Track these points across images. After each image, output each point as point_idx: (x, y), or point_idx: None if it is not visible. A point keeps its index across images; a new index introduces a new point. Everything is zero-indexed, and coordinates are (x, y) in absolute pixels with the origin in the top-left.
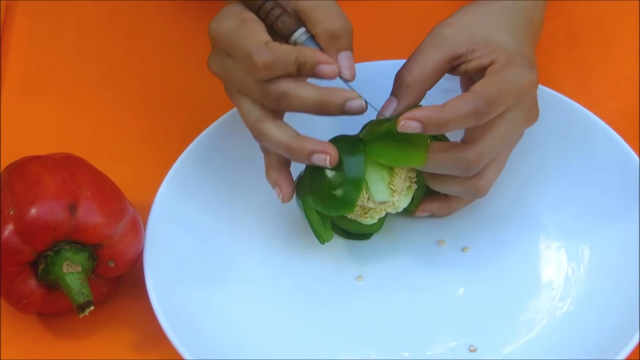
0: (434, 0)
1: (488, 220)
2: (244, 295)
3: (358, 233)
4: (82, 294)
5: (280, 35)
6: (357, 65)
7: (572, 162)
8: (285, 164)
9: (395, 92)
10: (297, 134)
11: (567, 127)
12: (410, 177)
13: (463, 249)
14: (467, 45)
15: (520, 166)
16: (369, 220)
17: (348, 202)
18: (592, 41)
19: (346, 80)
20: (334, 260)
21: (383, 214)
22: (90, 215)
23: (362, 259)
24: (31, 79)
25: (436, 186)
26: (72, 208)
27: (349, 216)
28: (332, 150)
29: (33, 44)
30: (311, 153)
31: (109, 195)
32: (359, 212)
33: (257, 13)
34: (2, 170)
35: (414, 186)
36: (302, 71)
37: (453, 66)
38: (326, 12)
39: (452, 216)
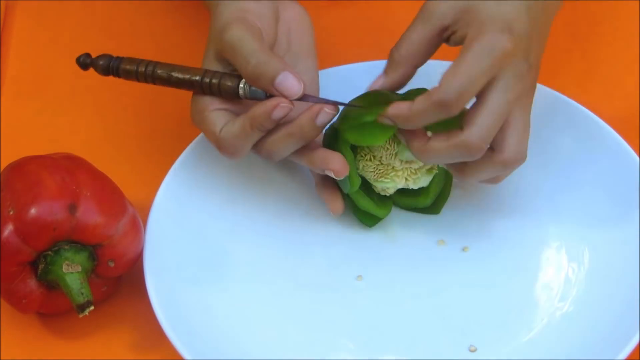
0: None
1: (488, 221)
2: (244, 295)
3: (366, 213)
4: (82, 294)
5: (234, 94)
6: (356, 65)
7: (572, 162)
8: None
9: (385, 70)
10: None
11: (567, 127)
12: None
13: (463, 249)
14: (452, 16)
15: (520, 166)
16: (387, 183)
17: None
18: (592, 41)
19: (298, 99)
20: (334, 260)
21: (401, 184)
22: (90, 215)
23: (362, 259)
24: (31, 79)
25: (467, 178)
26: (72, 208)
27: (370, 176)
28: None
29: (33, 44)
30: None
31: (109, 195)
32: (381, 171)
33: (202, 89)
34: (2, 170)
35: (435, 170)
36: (266, 127)
37: (444, 38)
38: (243, 54)
39: (452, 216)
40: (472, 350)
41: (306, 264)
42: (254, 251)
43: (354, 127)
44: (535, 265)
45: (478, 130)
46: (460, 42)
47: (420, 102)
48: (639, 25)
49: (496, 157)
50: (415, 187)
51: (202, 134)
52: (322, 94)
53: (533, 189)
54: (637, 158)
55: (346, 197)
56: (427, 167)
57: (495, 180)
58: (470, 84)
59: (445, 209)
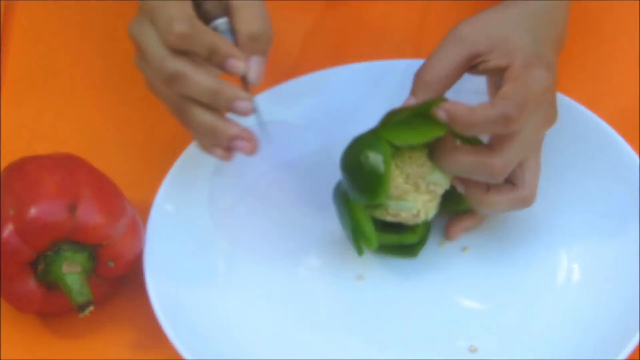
0: (434, 0)
1: (488, 220)
2: (243, 295)
3: (398, 246)
4: (82, 294)
5: (203, 18)
6: (355, 65)
7: (572, 162)
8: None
9: (414, 91)
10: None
11: (566, 126)
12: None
13: (463, 249)
14: (487, 45)
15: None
16: (407, 203)
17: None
18: (592, 41)
19: (249, 83)
20: (334, 260)
21: (416, 209)
22: (90, 215)
23: (362, 259)
24: (31, 79)
25: (485, 208)
26: (72, 208)
27: (392, 193)
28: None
29: (33, 44)
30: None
31: (109, 195)
32: (404, 189)
33: None
34: (2, 170)
35: (436, 209)
36: (212, 57)
37: (472, 65)
38: (253, 12)
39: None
40: (472, 350)
41: (306, 263)
42: (253, 251)
43: (398, 123)
44: (535, 265)
45: (508, 157)
46: (491, 71)
47: (483, 109)
48: (639, 25)
49: (518, 193)
50: (424, 219)
51: None
52: (323, 94)
53: None
54: (637, 158)
55: (346, 218)
56: (438, 199)
57: (478, 221)
58: (528, 103)
59: None
